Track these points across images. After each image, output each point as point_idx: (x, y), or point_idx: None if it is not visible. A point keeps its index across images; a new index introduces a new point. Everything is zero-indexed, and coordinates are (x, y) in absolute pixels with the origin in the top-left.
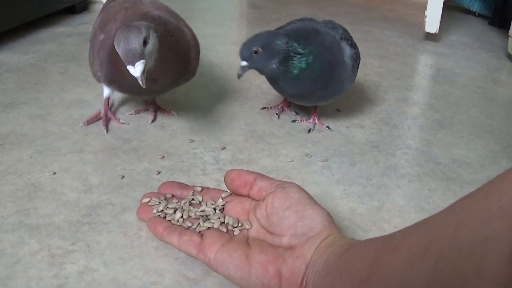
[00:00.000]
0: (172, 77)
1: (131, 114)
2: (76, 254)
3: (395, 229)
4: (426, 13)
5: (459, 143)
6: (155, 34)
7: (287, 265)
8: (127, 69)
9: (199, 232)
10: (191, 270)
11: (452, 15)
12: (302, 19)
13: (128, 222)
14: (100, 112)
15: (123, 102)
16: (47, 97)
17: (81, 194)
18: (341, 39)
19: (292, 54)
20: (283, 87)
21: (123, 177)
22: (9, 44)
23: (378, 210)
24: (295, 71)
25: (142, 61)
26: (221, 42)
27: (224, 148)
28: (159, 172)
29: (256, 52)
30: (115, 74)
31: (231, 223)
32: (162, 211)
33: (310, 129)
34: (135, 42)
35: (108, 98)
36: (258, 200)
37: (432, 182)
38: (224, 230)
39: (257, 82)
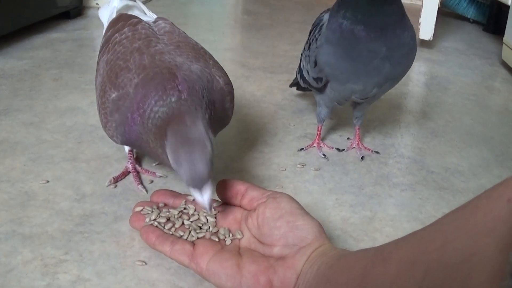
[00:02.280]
0: None
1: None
2: (68, 264)
3: (387, 239)
4: (420, 20)
5: (451, 152)
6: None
7: (278, 275)
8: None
9: (191, 241)
10: (183, 280)
11: (447, 21)
12: None
13: (121, 232)
14: (127, 167)
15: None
16: (41, 104)
17: (74, 203)
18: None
19: None
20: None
21: (116, 186)
22: (3, 50)
23: (370, 220)
24: None
25: (209, 183)
26: (214, 49)
27: (218, 156)
28: (152, 181)
29: None
30: (138, 139)
31: (222, 232)
32: (154, 219)
33: (363, 156)
34: (203, 164)
35: (131, 150)
36: (249, 210)
37: (425, 191)
38: (216, 239)
39: (250, 90)
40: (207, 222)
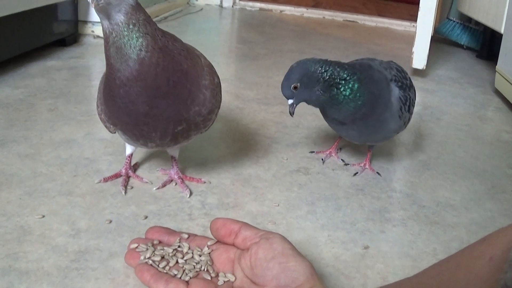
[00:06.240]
0: (166, 98)
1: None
2: None
3: (378, 276)
4: (414, 49)
5: (443, 185)
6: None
7: None
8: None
9: (185, 280)
10: None
11: (440, 48)
12: (362, 58)
13: (116, 269)
14: (120, 171)
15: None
16: (36, 136)
17: (70, 239)
18: (391, 80)
19: (337, 80)
20: (327, 113)
21: (110, 221)
22: None
23: (362, 257)
24: (340, 97)
25: None
26: None
27: (211, 191)
28: (146, 217)
29: (295, 88)
30: (109, 103)
31: (214, 276)
32: (149, 258)
33: (357, 172)
34: None
35: (130, 156)
36: (243, 249)
37: (416, 226)
38: (209, 278)
39: (245, 122)
40: (201, 260)
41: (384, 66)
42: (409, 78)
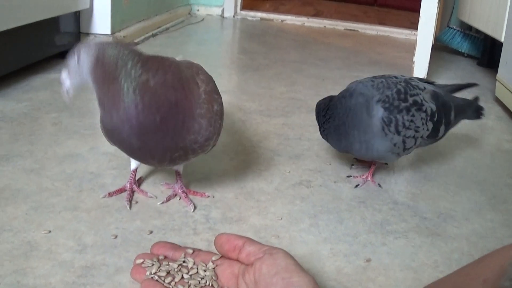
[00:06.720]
0: (154, 125)
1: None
2: None
3: None
4: (414, 58)
5: (444, 196)
6: (89, 51)
7: None
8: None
9: None
10: None
11: (441, 56)
12: (375, 76)
13: (122, 284)
14: (125, 186)
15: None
16: (41, 150)
17: (76, 254)
18: (378, 100)
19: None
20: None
21: (116, 236)
22: (3, 91)
23: (364, 269)
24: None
25: (65, 70)
26: None
27: (214, 205)
28: (151, 232)
29: None
30: (107, 133)
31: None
32: (155, 273)
33: (358, 184)
34: (71, 56)
35: (135, 171)
36: (247, 265)
37: (417, 238)
38: None
39: (247, 135)
40: (206, 275)
41: (379, 86)
42: (414, 101)
